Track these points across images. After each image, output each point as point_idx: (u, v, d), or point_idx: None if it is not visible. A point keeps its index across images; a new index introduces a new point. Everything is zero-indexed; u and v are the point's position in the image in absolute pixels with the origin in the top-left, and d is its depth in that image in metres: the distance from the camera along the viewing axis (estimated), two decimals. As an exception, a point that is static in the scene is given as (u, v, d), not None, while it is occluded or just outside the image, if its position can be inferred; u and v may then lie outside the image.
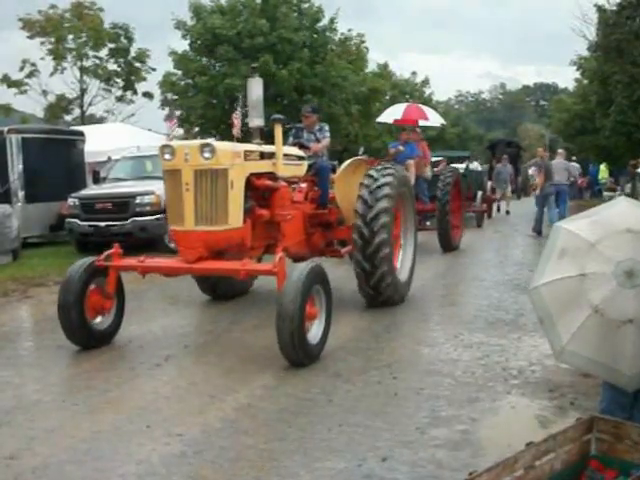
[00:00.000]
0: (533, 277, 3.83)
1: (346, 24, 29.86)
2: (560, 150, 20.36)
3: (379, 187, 8.02)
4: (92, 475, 3.92)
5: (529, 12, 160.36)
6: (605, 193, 27.39)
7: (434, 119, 18.26)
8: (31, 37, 31.83)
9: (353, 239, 7.93)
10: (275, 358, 5.96)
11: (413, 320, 7.83)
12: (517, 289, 9.41)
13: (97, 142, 18.78)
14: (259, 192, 7.15)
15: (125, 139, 20.15)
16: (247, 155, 6.74)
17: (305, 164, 8.21)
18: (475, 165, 25.75)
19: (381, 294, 8.08)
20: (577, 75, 37.06)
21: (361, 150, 11.77)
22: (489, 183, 24.30)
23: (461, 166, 20.87)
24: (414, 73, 49.88)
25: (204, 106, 27.40)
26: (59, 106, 33.41)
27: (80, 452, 4.23)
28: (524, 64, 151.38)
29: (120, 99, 34.48)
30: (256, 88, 7.52)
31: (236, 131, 15.30)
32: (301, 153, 8.26)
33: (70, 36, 32.07)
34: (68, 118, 35.09)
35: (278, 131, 7.17)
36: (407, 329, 7.50)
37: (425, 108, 18.54)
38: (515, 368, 5.87)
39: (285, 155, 7.50)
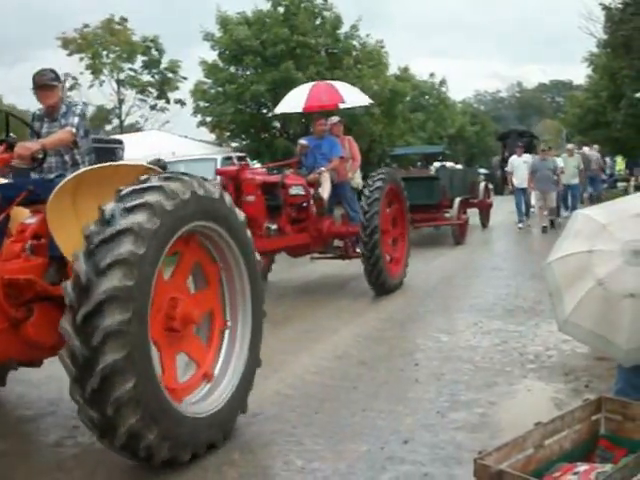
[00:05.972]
0: (549, 254, 3.81)
1: (362, 31, 30.01)
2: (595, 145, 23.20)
3: (138, 191, 3.67)
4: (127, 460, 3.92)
5: (531, 14, 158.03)
6: (619, 184, 26.95)
7: (355, 98, 11.46)
8: (70, 54, 32.55)
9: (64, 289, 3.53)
10: (301, 348, 5.94)
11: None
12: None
13: (135, 149, 18.98)
14: None
15: (161, 146, 20.31)
16: None
17: None
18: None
19: (116, 426, 3.49)
20: (588, 71, 36.71)
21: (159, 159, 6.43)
22: (483, 184, 17.09)
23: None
24: (432, 74, 49.24)
25: (234, 112, 27.66)
26: (99, 117, 33.98)
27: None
28: (530, 64, 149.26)
29: (154, 107, 35.04)
30: None
31: None
32: None
33: (104, 52, 32.71)
34: (108, 128, 35.75)
35: None
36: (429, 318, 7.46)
37: (339, 85, 11.55)
38: (532, 353, 5.82)
39: None
